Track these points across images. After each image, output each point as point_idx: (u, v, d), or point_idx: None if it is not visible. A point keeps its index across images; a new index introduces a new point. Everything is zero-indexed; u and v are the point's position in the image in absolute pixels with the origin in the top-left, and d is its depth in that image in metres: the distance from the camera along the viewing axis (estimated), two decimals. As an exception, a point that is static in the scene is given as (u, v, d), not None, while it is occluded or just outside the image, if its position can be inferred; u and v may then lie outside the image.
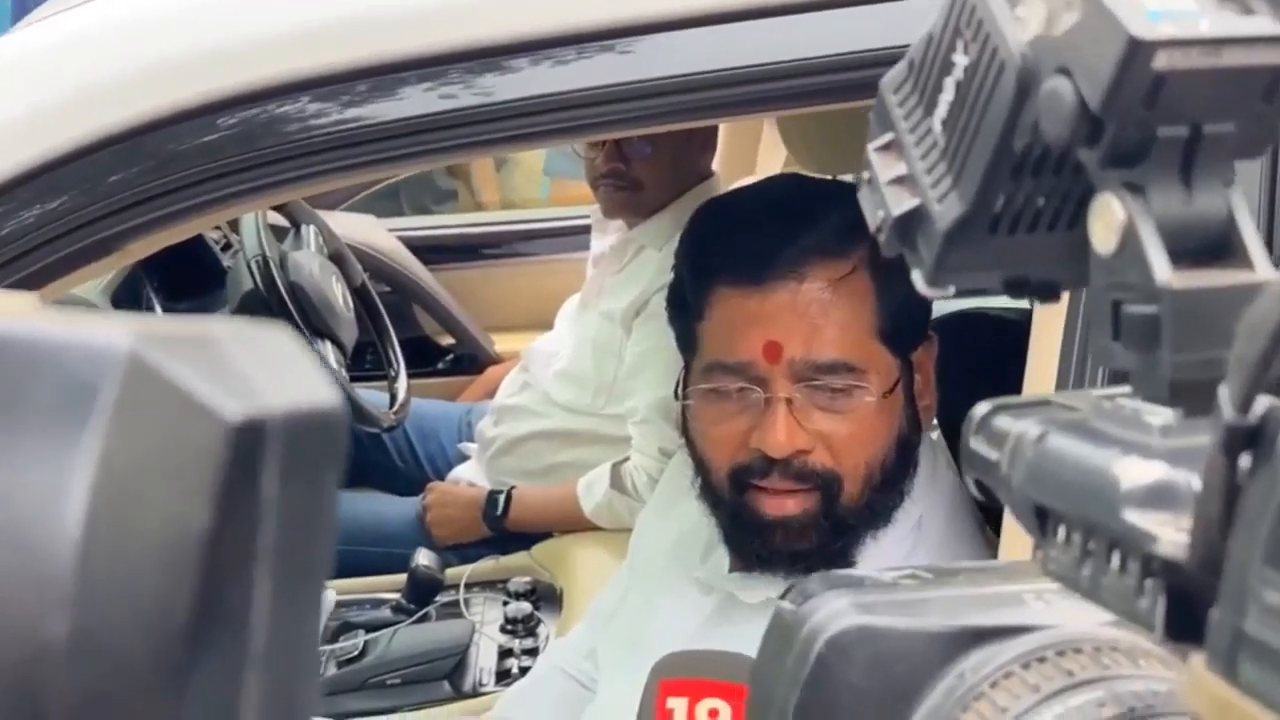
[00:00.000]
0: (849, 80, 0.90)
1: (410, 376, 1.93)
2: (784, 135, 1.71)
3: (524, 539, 1.80)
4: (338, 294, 1.81)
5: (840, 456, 1.02)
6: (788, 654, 0.37)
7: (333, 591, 1.71)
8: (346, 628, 1.65)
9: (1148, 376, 0.30)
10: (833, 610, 0.37)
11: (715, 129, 1.80)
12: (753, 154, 1.92)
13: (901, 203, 0.34)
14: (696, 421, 1.08)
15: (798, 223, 1.04)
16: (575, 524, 1.75)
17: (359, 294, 1.91)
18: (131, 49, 0.92)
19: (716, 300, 1.05)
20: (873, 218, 0.35)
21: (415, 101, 0.99)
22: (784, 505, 1.02)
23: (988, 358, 1.10)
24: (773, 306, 1.02)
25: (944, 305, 1.67)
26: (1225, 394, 0.24)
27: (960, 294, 0.35)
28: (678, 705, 0.75)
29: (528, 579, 1.74)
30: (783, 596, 0.39)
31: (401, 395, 1.88)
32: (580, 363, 1.82)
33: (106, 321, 0.21)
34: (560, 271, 2.16)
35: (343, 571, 1.74)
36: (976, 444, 0.34)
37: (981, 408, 0.35)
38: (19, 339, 0.21)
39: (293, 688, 0.22)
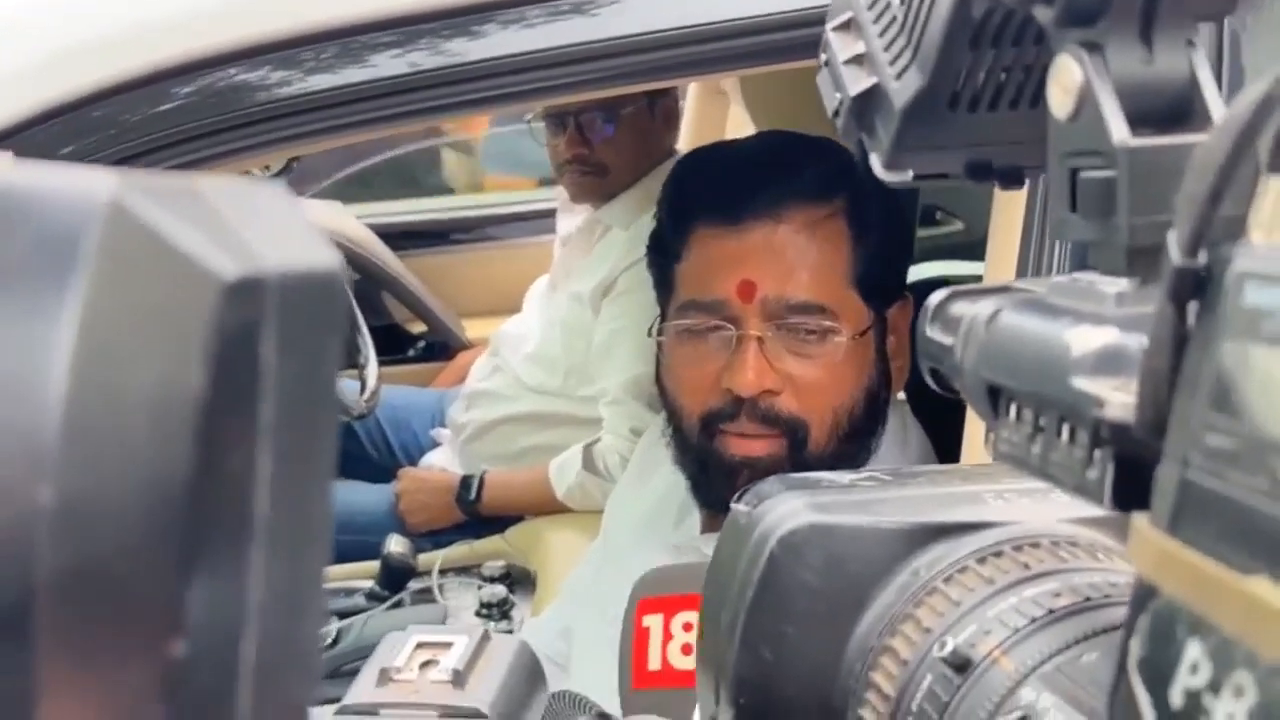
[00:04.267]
0: (810, 36, 0.89)
1: (381, 364, 1.91)
2: (748, 105, 1.71)
3: (497, 523, 1.79)
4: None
5: (808, 401, 1.02)
6: (741, 554, 0.37)
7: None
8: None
9: (1105, 246, 0.29)
10: (787, 510, 0.37)
11: (677, 107, 1.80)
12: (720, 131, 1.91)
13: (858, 82, 0.33)
14: (669, 362, 1.09)
15: (778, 168, 1.05)
16: (548, 507, 1.74)
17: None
18: (83, 19, 0.91)
19: (694, 241, 1.06)
20: (830, 100, 0.35)
21: (383, 65, 0.98)
22: (750, 447, 1.03)
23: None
24: (749, 246, 1.03)
25: (911, 274, 1.67)
26: (1173, 238, 0.23)
27: (919, 178, 0.34)
28: (653, 622, 0.75)
29: (501, 563, 1.72)
30: (738, 500, 0.38)
31: (372, 383, 1.87)
32: (549, 345, 1.81)
33: (85, 171, 0.20)
34: (530, 255, 2.15)
35: (314, 559, 1.72)
36: (932, 331, 0.33)
37: (937, 295, 0.34)
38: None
39: (300, 567, 0.20)
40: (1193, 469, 0.22)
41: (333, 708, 0.44)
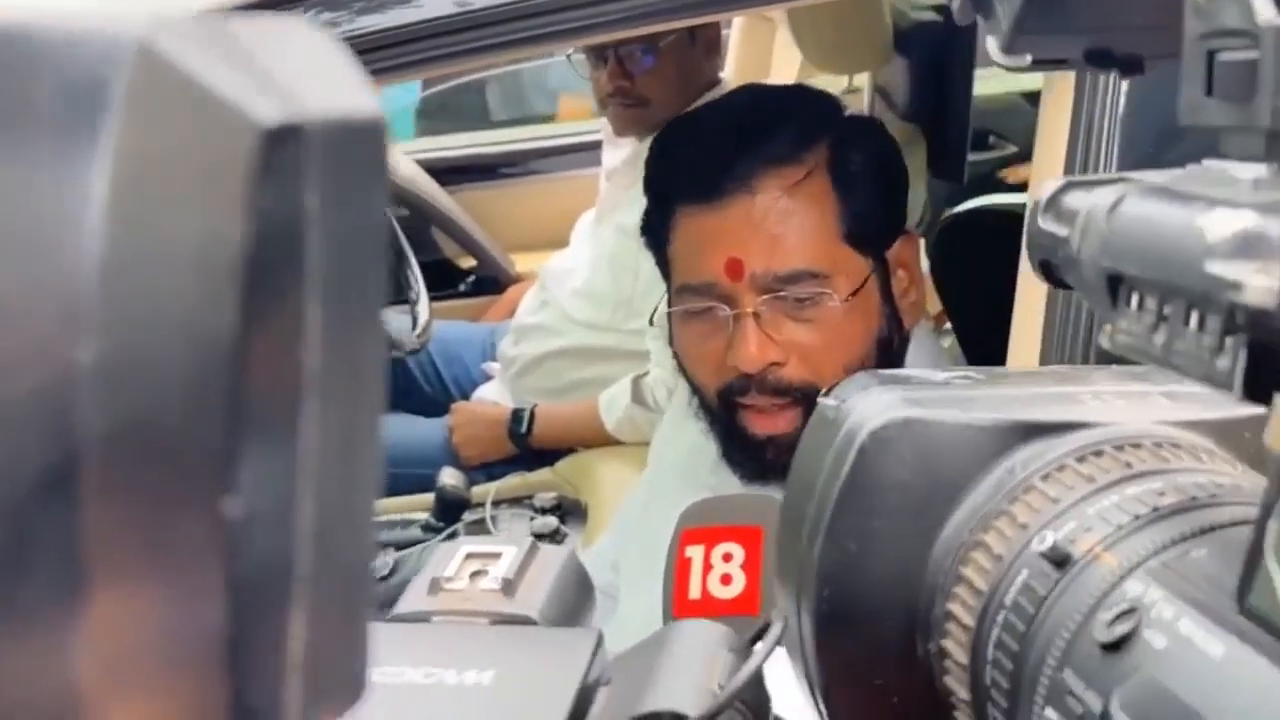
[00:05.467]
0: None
1: (432, 300, 1.92)
2: (796, 36, 1.68)
3: (548, 455, 1.80)
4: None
5: (816, 367, 1.01)
6: (828, 448, 0.36)
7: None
8: (376, 547, 1.65)
9: (1241, 131, 0.28)
10: (878, 404, 0.36)
11: (719, 36, 1.77)
12: (766, 58, 1.88)
13: (978, -41, 0.32)
14: (680, 345, 1.09)
15: (747, 135, 1.03)
16: (598, 439, 1.75)
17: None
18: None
19: (678, 223, 1.06)
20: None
21: (431, 5, 0.97)
22: (773, 423, 1.03)
23: (1000, 255, 1.08)
24: (729, 223, 1.02)
25: (962, 199, 1.64)
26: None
27: (1037, 65, 0.33)
28: (695, 553, 0.75)
29: (553, 494, 1.73)
30: (825, 394, 0.38)
31: (424, 319, 1.88)
32: (597, 279, 1.80)
33: (113, 8, 0.19)
34: (577, 188, 2.14)
35: (369, 492, 1.74)
36: (1045, 222, 0.32)
37: (1051, 184, 0.33)
38: (13, 35, 0.19)
39: (355, 424, 0.20)
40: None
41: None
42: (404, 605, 0.43)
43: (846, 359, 1.02)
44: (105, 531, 0.17)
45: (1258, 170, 0.27)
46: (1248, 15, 0.26)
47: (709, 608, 0.83)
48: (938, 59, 1.75)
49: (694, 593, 0.83)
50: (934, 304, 1.56)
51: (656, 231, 1.09)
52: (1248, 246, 0.25)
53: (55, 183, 0.18)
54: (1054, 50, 0.32)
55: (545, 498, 1.75)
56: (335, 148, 0.19)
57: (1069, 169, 0.78)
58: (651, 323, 1.12)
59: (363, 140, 0.19)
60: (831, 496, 0.35)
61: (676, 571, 0.82)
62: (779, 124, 1.03)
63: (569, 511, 1.72)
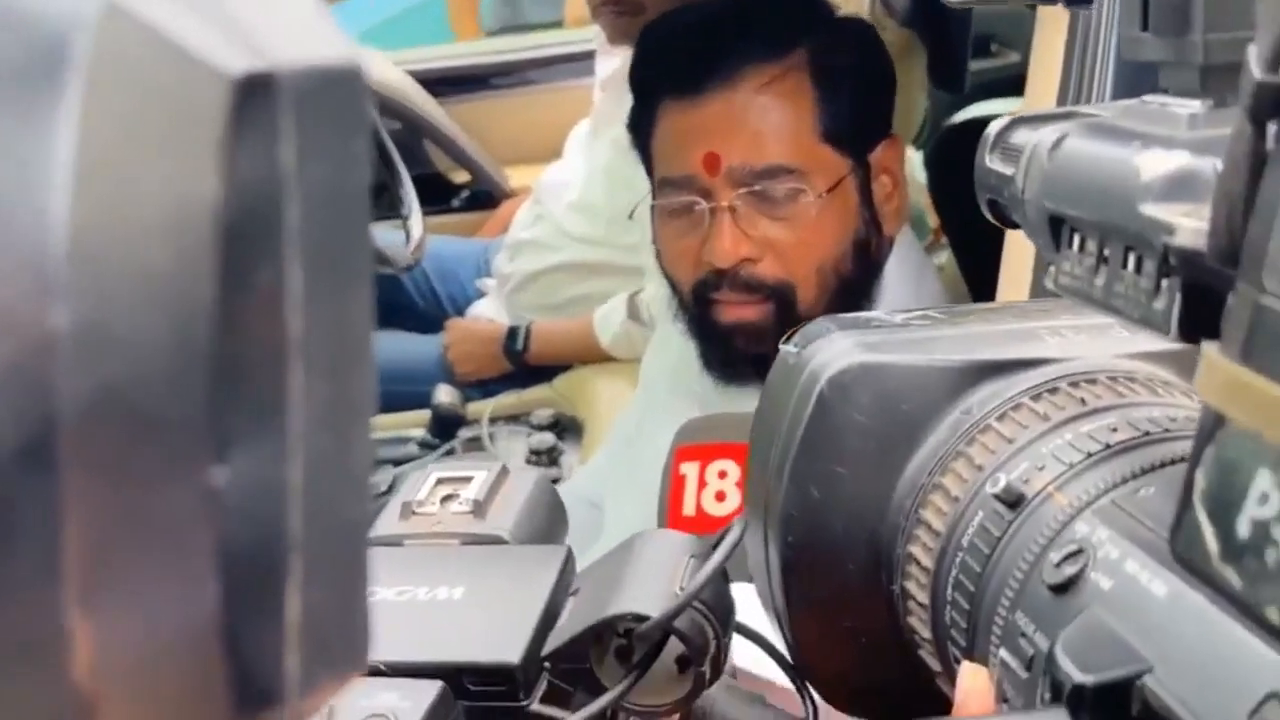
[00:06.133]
0: None
1: (425, 215, 1.89)
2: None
3: (544, 372, 1.80)
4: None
5: (790, 264, 1.02)
6: (790, 395, 0.36)
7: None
8: (374, 463, 1.66)
9: (1178, 66, 0.27)
10: (836, 349, 0.36)
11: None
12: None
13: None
14: (660, 241, 1.10)
15: (731, 31, 1.03)
16: (594, 355, 1.75)
17: (367, 132, 1.87)
18: None
19: (660, 117, 1.06)
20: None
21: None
22: (740, 312, 1.04)
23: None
24: (708, 117, 1.02)
25: (960, 107, 1.61)
26: (1253, 53, 0.22)
27: (984, 0, 0.32)
28: (690, 470, 0.76)
29: (550, 411, 1.74)
30: (787, 340, 0.38)
31: (417, 234, 1.85)
32: (592, 193, 1.79)
33: None
34: (571, 98, 2.11)
35: (366, 409, 1.75)
36: (991, 161, 0.32)
37: (997, 124, 0.32)
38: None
39: (344, 385, 0.19)
40: (1269, 295, 0.21)
41: None
42: (377, 530, 0.44)
43: (820, 258, 1.03)
44: (89, 505, 0.17)
45: (1193, 107, 0.26)
46: (1190, -49, 0.25)
47: (703, 524, 0.84)
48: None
49: (688, 509, 0.84)
50: (934, 218, 1.55)
51: (641, 127, 1.10)
52: (1179, 188, 0.24)
53: (19, 143, 0.17)
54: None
55: (542, 414, 1.76)
56: (311, 98, 0.18)
57: (1061, 100, 0.77)
58: (631, 217, 1.12)
59: (340, 90, 0.19)
60: (794, 443, 0.35)
61: (671, 488, 0.83)
62: (761, 21, 1.03)
63: (566, 428, 1.73)
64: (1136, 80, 0.29)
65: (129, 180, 0.17)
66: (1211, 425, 0.22)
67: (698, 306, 1.07)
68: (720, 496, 0.84)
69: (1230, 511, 0.21)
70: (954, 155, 1.15)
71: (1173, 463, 0.31)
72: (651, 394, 1.25)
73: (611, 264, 1.78)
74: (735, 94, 1.01)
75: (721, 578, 0.39)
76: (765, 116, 1.01)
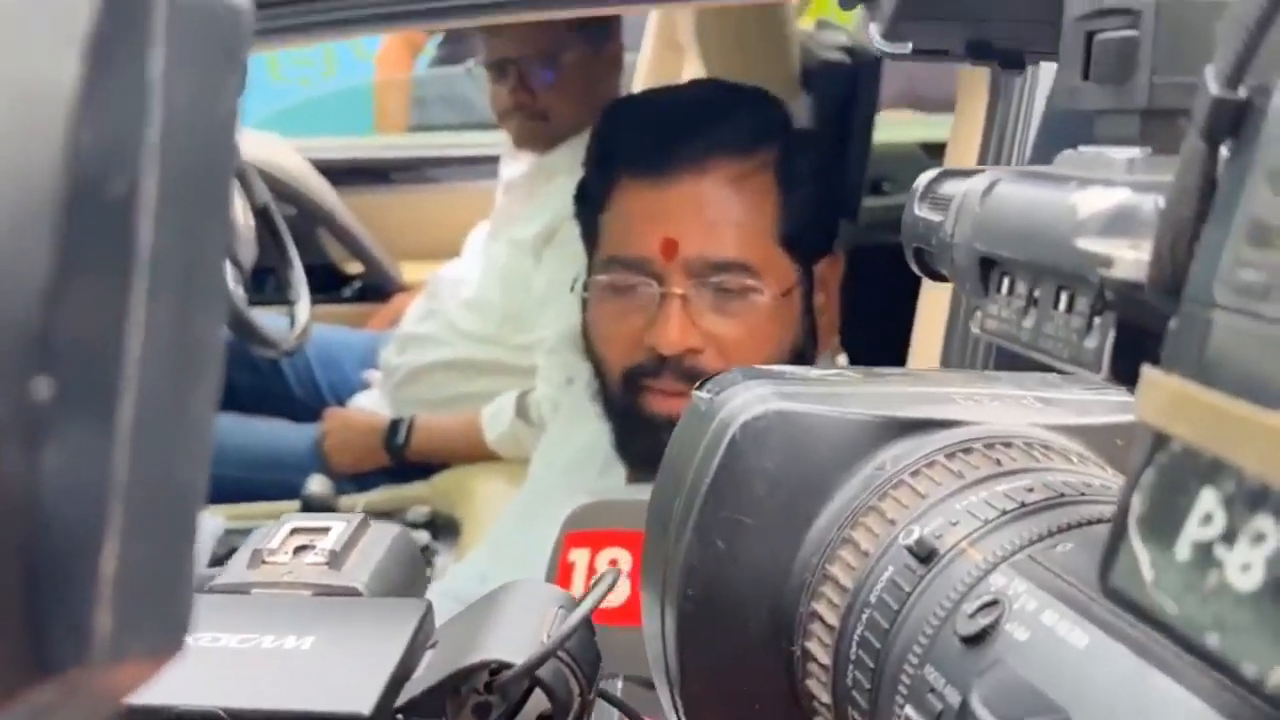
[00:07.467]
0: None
1: (315, 303, 1.86)
2: (705, 66, 1.69)
3: (423, 469, 1.76)
4: (237, 212, 1.74)
5: (731, 360, 1.02)
6: (699, 441, 0.35)
7: (222, 518, 1.65)
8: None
9: (1118, 114, 0.27)
10: (750, 396, 0.35)
11: (620, 53, 1.78)
12: (676, 79, 1.89)
13: (859, -58, 0.31)
14: (594, 317, 1.08)
15: (704, 119, 1.04)
16: (477, 454, 1.71)
17: (261, 215, 1.83)
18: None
19: (618, 192, 1.05)
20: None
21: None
22: (673, 405, 1.02)
23: (899, 288, 1.10)
24: (672, 200, 1.02)
25: (855, 239, 1.66)
26: (1211, 70, 0.22)
27: (918, 53, 0.32)
28: (579, 557, 0.73)
29: (426, 509, 1.70)
30: (699, 387, 0.37)
31: (302, 319, 1.80)
32: (487, 291, 1.78)
33: None
34: (472, 199, 2.11)
35: (233, 497, 1.68)
36: (920, 210, 0.32)
37: (927, 175, 0.32)
38: None
39: (188, 324, 0.17)
40: (1217, 310, 0.20)
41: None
42: (223, 578, 0.41)
43: (763, 359, 1.03)
44: None
45: (1132, 153, 0.26)
46: (1128, -9, 0.26)
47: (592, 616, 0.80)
48: (842, 98, 1.77)
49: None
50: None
51: (592, 199, 1.09)
52: (1119, 222, 0.24)
53: None
54: (935, 40, 0.32)
55: (418, 512, 1.70)
56: (186, 16, 0.17)
57: (982, 163, 0.80)
58: (573, 289, 1.10)
59: (218, 18, 0.18)
60: (701, 490, 0.34)
61: (558, 576, 0.80)
62: (737, 115, 1.04)
63: (442, 528, 1.68)
64: (1059, 144, 0.29)
65: None
66: (1151, 447, 0.21)
67: (626, 391, 1.05)
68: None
69: (1169, 535, 0.21)
70: (850, 277, 1.18)
71: (1090, 523, 0.30)
72: (542, 487, 1.23)
73: (501, 363, 1.76)
74: (701, 182, 1.01)
75: (589, 630, 0.38)
76: (729, 210, 1.01)
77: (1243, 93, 0.21)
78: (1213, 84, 0.21)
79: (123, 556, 0.16)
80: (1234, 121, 0.21)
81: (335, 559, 0.42)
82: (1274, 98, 0.20)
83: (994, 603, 0.28)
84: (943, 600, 0.30)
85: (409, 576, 0.44)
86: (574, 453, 1.18)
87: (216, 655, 0.35)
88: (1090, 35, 0.27)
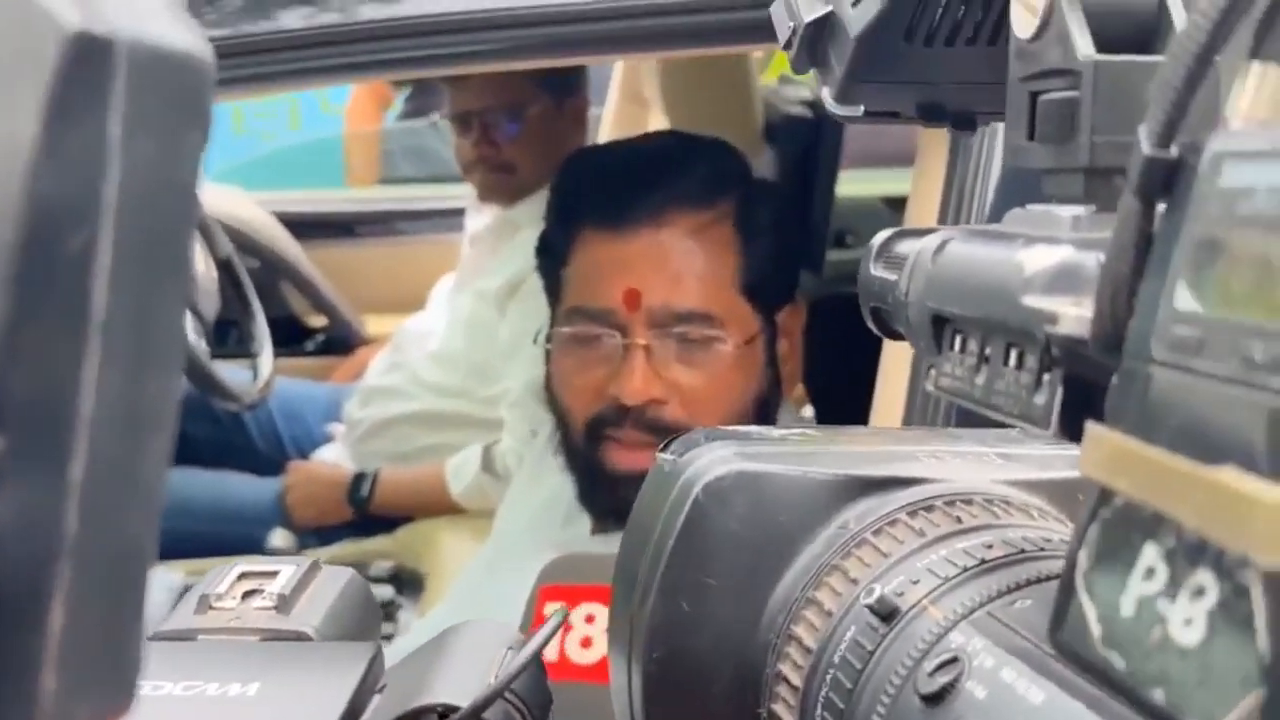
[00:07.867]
0: (731, 22, 0.89)
1: (278, 356, 1.85)
2: (670, 120, 1.71)
3: (387, 523, 1.74)
4: (199, 264, 1.73)
5: (695, 410, 1.02)
6: (664, 502, 0.35)
7: (181, 573, 1.63)
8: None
9: (1062, 173, 0.28)
10: (714, 457, 0.35)
11: (585, 106, 1.79)
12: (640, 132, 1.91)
13: (813, 8, 0.32)
14: (557, 369, 1.08)
15: (663, 171, 1.05)
16: (441, 507, 1.70)
17: (224, 267, 1.83)
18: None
19: (580, 244, 1.06)
20: (783, 30, 0.33)
21: (286, 18, 0.95)
22: (636, 459, 1.02)
23: (864, 339, 1.11)
24: (634, 253, 1.03)
25: (819, 290, 1.68)
26: (1144, 130, 0.22)
27: (870, 115, 0.33)
28: (554, 611, 0.72)
29: (389, 563, 1.68)
30: (664, 448, 0.37)
31: (265, 372, 1.79)
32: (452, 343, 1.78)
33: None
34: (437, 252, 2.11)
35: (193, 551, 1.65)
36: (876, 269, 0.32)
37: (882, 235, 0.33)
38: None
39: (142, 383, 0.17)
40: (1155, 365, 0.21)
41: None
42: (169, 623, 0.41)
43: (726, 409, 1.03)
44: None
45: (1078, 211, 0.27)
46: (1068, 54, 0.27)
47: (565, 672, 0.79)
48: (805, 152, 1.80)
49: (550, 654, 0.80)
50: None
51: (554, 251, 1.09)
52: (1062, 280, 0.25)
53: None
54: (887, 102, 0.33)
55: (381, 566, 1.69)
56: (146, 74, 0.17)
57: (942, 221, 0.81)
58: (536, 341, 1.10)
59: (181, 77, 0.18)
60: (665, 551, 0.34)
61: (533, 630, 0.79)
62: (696, 166, 1.05)
63: (405, 582, 1.66)
64: (1016, 201, 0.30)
65: None
66: (1096, 503, 0.22)
67: (589, 442, 1.05)
68: (586, 642, 0.80)
69: (1114, 591, 0.21)
70: (815, 328, 1.19)
71: (1048, 579, 0.31)
72: (506, 541, 1.22)
73: (466, 415, 1.75)
74: (661, 233, 1.02)
75: (539, 670, 0.38)
76: (690, 261, 1.02)
77: (1174, 151, 0.22)
78: (1145, 143, 0.22)
79: (70, 615, 0.16)
80: (1166, 179, 0.22)
81: (284, 603, 0.41)
82: (1204, 155, 0.21)
83: (954, 660, 0.28)
84: (904, 659, 0.30)
85: (362, 620, 0.44)
86: (538, 505, 1.17)
87: (159, 704, 0.35)
88: (1034, 96, 0.28)
